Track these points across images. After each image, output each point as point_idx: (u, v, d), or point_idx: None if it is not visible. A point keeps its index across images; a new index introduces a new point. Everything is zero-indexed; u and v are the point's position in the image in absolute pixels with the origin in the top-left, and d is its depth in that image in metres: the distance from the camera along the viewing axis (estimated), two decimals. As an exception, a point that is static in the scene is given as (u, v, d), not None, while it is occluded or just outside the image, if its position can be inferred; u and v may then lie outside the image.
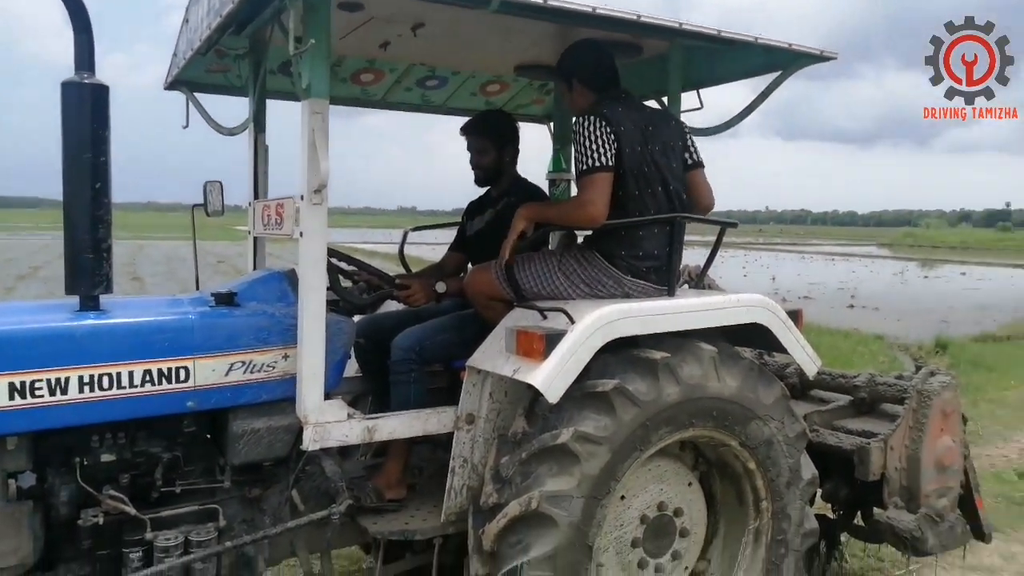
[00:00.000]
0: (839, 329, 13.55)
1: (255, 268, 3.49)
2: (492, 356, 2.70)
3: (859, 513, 3.61)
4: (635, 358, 2.63)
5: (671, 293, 2.91)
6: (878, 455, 3.26)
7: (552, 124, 4.43)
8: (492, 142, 3.45)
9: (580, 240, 3.34)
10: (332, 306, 2.80)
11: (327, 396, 2.60)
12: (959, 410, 3.50)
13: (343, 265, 3.18)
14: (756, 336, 2.99)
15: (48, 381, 2.27)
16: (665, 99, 3.60)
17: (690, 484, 2.98)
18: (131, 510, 2.39)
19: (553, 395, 2.46)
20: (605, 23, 2.66)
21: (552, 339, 2.48)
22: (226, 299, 2.68)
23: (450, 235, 3.91)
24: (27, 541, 2.33)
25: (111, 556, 2.46)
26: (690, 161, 3.11)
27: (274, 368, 2.63)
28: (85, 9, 2.36)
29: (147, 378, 2.42)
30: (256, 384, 2.60)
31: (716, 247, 3.29)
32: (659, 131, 2.96)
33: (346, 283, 3.10)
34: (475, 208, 3.71)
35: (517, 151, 3.57)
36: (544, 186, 4.04)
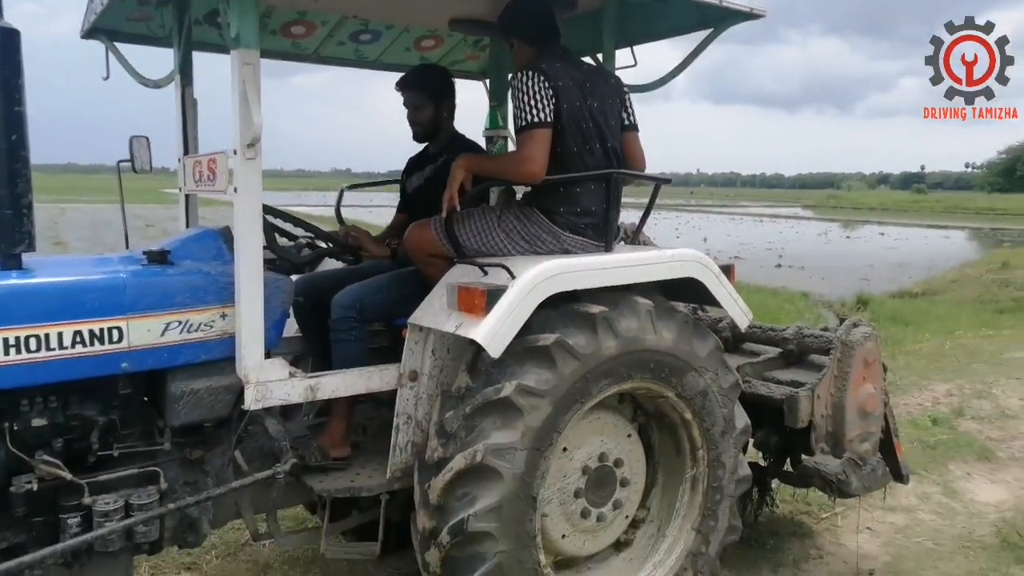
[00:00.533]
0: (767, 287, 14.06)
1: (188, 227, 3.39)
2: (434, 313, 2.71)
3: (788, 460, 3.75)
4: (574, 312, 2.67)
5: (608, 249, 2.94)
6: (806, 404, 3.38)
7: (488, 81, 4.38)
8: (429, 97, 3.40)
9: (519, 196, 3.34)
10: (269, 264, 2.75)
11: (267, 355, 2.57)
12: (880, 359, 3.64)
13: (278, 223, 3.12)
14: (690, 291, 3.05)
15: None
16: (600, 56, 3.62)
17: (629, 435, 3.05)
18: (67, 475, 2.32)
19: (495, 350, 2.48)
20: None
21: (493, 295, 2.49)
22: (159, 257, 2.60)
23: (386, 195, 3.87)
24: None
25: (48, 522, 2.38)
26: (627, 122, 3.12)
27: (212, 327, 2.57)
28: None
29: (78, 339, 2.33)
30: (194, 344, 2.54)
31: (650, 205, 3.32)
32: (597, 87, 2.96)
33: (284, 241, 3.05)
34: (414, 165, 3.67)
35: (454, 106, 3.53)
36: (481, 143, 4.02)
